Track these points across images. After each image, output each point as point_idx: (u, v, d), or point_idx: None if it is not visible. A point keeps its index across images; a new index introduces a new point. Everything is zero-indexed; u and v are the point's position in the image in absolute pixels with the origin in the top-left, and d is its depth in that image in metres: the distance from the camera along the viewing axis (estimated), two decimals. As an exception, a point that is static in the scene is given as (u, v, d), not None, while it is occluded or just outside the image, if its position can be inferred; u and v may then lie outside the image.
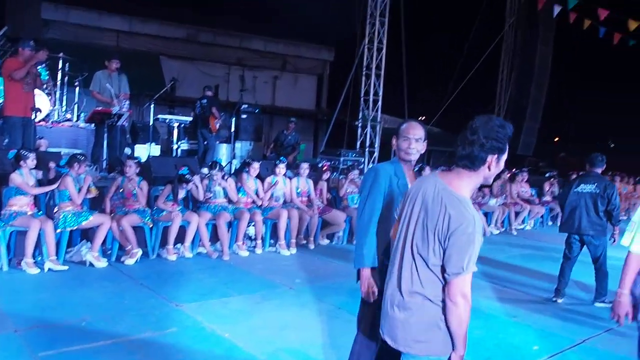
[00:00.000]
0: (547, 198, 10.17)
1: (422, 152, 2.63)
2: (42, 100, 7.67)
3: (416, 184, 2.01)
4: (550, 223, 10.17)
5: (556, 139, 27.36)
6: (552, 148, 23.48)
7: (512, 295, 4.99)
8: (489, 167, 1.84)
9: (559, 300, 4.90)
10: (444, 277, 1.85)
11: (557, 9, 11.70)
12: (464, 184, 1.87)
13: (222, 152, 10.22)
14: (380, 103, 11.39)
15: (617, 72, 21.34)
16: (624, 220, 5.03)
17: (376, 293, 2.57)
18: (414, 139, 2.58)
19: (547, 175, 10.56)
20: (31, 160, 5.15)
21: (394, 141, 2.65)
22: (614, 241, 4.68)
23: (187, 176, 5.94)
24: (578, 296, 5.18)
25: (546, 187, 10.27)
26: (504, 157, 1.89)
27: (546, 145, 20.89)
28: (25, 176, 5.12)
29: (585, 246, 5.01)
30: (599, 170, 5.10)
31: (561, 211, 5.46)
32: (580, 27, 11.53)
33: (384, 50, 11.27)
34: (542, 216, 9.82)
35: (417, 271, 1.87)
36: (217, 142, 9.82)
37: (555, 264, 6.55)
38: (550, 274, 5.98)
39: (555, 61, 14.70)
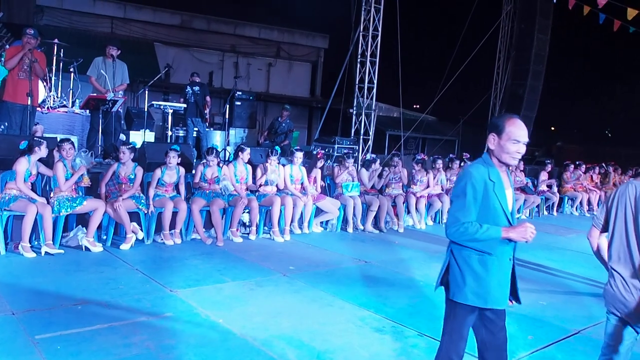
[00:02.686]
0: (543, 187, 10.25)
1: None
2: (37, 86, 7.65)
3: (620, 190, 2.60)
4: (545, 213, 10.25)
5: (552, 127, 27.44)
6: (548, 137, 23.56)
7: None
8: None
9: None
10: None
11: (555, -5, 11.70)
12: None
13: (216, 139, 10.24)
14: (375, 91, 11.39)
15: (616, 60, 21.36)
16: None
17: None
18: (523, 143, 2.33)
19: (546, 162, 10.61)
20: (44, 147, 5.24)
21: (492, 139, 2.35)
22: None
23: (172, 149, 5.99)
24: (573, 287, 5.25)
25: (542, 176, 10.34)
26: None
27: (542, 134, 20.95)
28: (31, 164, 5.16)
29: None
30: None
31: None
32: (580, 13, 11.53)
33: (378, 38, 11.25)
34: (537, 205, 9.89)
35: None
36: (208, 129, 9.84)
37: (549, 253, 6.66)
38: (543, 265, 6.07)
39: (553, 49, 14.69)
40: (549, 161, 10.70)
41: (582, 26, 14.59)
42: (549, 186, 10.41)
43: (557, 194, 10.40)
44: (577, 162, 10.99)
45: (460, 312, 2.41)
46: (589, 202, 10.80)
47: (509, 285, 2.47)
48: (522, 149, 2.34)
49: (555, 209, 10.39)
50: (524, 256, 6.41)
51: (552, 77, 15.95)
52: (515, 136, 2.31)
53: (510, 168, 8.78)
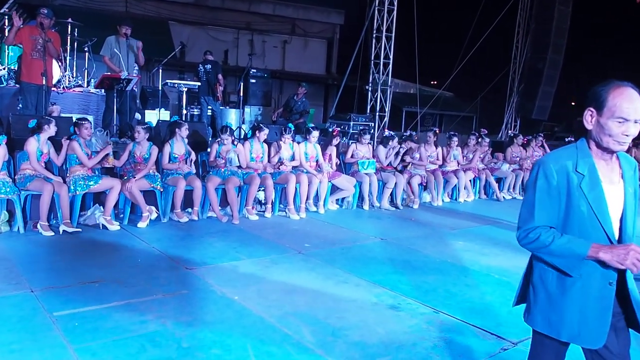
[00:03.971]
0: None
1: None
2: (52, 66, 7.69)
3: None
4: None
5: (573, 102, 26.81)
6: (568, 112, 23.04)
7: (524, 261, 4.92)
8: None
9: None
10: None
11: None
12: None
13: (231, 117, 10.21)
14: (390, 67, 11.20)
15: (638, 32, 20.65)
16: None
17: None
18: (634, 121, 1.70)
19: (566, 140, 10.37)
20: (53, 125, 5.26)
21: (589, 116, 1.77)
22: None
23: (178, 121, 5.97)
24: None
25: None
26: None
27: (562, 109, 20.49)
28: (41, 143, 5.20)
29: None
30: None
31: None
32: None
33: (394, 13, 11.01)
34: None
35: None
36: (221, 108, 9.82)
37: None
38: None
39: (574, 21, 14.22)
40: (571, 138, 10.44)
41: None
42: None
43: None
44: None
45: (537, 340, 1.92)
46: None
47: (607, 318, 1.78)
48: (633, 130, 1.70)
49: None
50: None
51: (572, 50, 15.50)
52: (622, 112, 1.68)
53: (532, 144, 8.49)
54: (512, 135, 9.99)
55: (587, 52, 20.94)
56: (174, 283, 3.91)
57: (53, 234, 5.01)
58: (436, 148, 8.13)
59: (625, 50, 21.23)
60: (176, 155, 6.03)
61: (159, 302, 3.52)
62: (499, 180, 8.76)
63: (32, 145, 5.13)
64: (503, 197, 8.55)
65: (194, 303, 3.55)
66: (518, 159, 9.11)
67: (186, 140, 6.18)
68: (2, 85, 7.51)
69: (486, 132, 9.21)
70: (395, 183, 7.33)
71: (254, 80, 11.36)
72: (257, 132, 6.63)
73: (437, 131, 8.36)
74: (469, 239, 5.74)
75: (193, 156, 6.21)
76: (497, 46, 14.86)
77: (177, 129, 6.09)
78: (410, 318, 3.47)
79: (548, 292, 1.84)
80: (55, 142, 5.44)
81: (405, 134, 8.19)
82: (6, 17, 8.83)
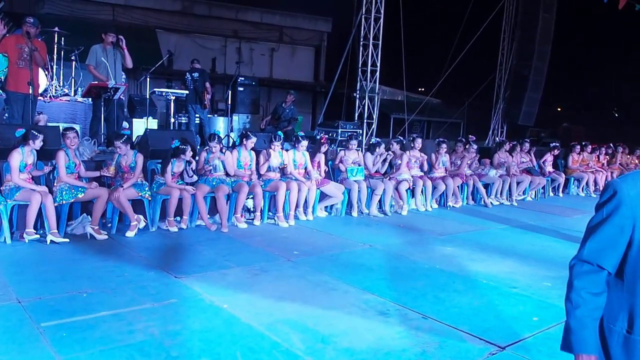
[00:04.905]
0: (549, 169, 10.18)
1: None
2: (39, 75, 7.64)
3: None
4: (551, 194, 10.18)
5: (559, 108, 27.17)
6: (554, 118, 23.33)
7: (512, 266, 5.01)
8: None
9: None
10: None
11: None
12: None
13: (219, 125, 10.20)
14: (378, 74, 11.28)
15: (622, 38, 21.03)
16: None
17: None
18: None
19: (550, 145, 10.51)
20: (39, 141, 5.21)
21: None
22: None
23: (182, 147, 5.94)
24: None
25: (548, 157, 10.26)
26: None
27: (548, 114, 20.75)
28: (25, 155, 5.15)
29: None
30: None
31: None
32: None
33: (381, 20, 11.11)
34: (543, 187, 9.83)
35: None
36: (209, 116, 9.83)
37: (554, 234, 6.63)
38: (550, 245, 6.05)
39: (558, 28, 14.45)
40: (556, 144, 10.57)
41: (587, 5, 14.35)
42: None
43: (563, 175, 10.32)
44: (584, 143, 10.90)
45: None
46: (596, 183, 10.72)
47: None
48: None
49: (561, 190, 10.32)
50: (528, 237, 6.40)
51: (557, 57, 15.74)
52: None
53: (517, 149, 8.57)
54: (499, 141, 10.10)
55: (572, 58, 21.26)
56: (163, 292, 3.90)
57: (38, 236, 5.00)
58: (420, 153, 8.20)
59: (612, 56, 21.60)
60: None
61: (147, 311, 3.50)
62: (487, 186, 8.84)
63: (16, 159, 5.04)
64: (491, 202, 8.62)
65: (183, 312, 3.54)
66: (505, 164, 9.20)
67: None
68: (-12, 95, 7.44)
69: (474, 138, 9.29)
70: (384, 190, 7.37)
71: (242, 88, 11.37)
72: (244, 140, 6.65)
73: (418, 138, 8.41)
74: (457, 245, 5.79)
75: (193, 165, 6.22)
76: (483, 53, 15.04)
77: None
78: (399, 324, 3.49)
79: (608, 352, 1.47)
80: (41, 152, 5.39)
81: (395, 140, 8.22)
82: (-9, 26, 8.77)
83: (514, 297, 4.16)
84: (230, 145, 8.26)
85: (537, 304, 4.01)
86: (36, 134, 5.21)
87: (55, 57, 8.89)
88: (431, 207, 8.02)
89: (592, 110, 25.33)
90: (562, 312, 3.92)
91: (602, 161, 11.38)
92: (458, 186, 8.40)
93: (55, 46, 9.00)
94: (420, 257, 5.21)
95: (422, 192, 7.92)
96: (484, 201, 8.59)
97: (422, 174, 8.12)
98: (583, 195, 10.55)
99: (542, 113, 15.21)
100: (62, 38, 9.16)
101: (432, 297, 4.05)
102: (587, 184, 10.61)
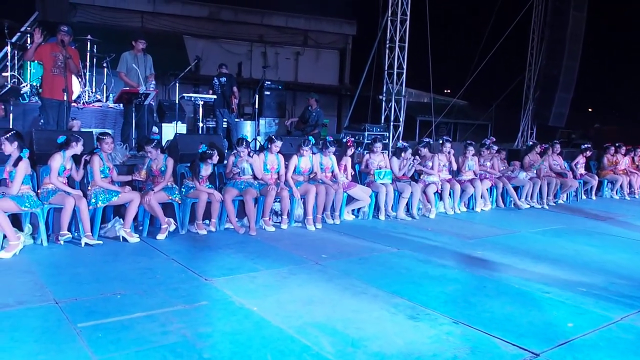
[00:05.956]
0: (581, 171, 9.94)
1: None
2: (72, 82, 7.86)
3: None
4: (584, 197, 9.93)
5: (590, 109, 26.53)
6: (585, 119, 22.78)
7: (544, 271, 4.91)
8: None
9: None
10: None
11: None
12: None
13: (247, 129, 10.30)
14: (404, 76, 11.23)
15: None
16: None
17: None
18: None
19: (582, 147, 10.27)
20: (80, 144, 5.38)
21: None
22: None
23: (209, 151, 6.01)
24: (614, 273, 5.07)
25: (580, 159, 10.03)
26: None
27: (579, 116, 20.29)
28: (65, 159, 5.31)
29: None
30: None
31: None
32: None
33: (407, 23, 11.06)
34: (575, 190, 9.60)
35: None
36: (236, 120, 9.93)
37: (588, 238, 6.47)
38: (582, 249, 5.90)
39: (590, 27, 14.12)
40: (588, 145, 10.32)
41: (620, 3, 14.01)
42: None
43: (596, 178, 10.07)
44: (617, 144, 10.61)
45: None
46: (630, 185, 10.43)
47: None
48: None
49: (594, 192, 10.06)
50: (561, 241, 6.26)
51: (588, 56, 15.38)
52: None
53: (548, 151, 8.42)
54: (531, 143, 9.91)
55: (603, 57, 20.74)
56: (194, 294, 3.95)
57: (71, 237, 5.15)
58: (449, 157, 8.11)
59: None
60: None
61: (179, 313, 3.56)
62: (516, 189, 8.69)
63: (57, 160, 5.24)
64: (521, 206, 8.45)
65: (213, 314, 3.58)
66: (535, 165, 9.02)
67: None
68: (25, 102, 7.70)
69: (494, 140, 9.11)
70: (411, 193, 7.32)
71: (268, 92, 11.48)
72: (270, 143, 6.69)
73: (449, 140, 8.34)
74: (487, 249, 5.71)
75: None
76: (512, 53, 14.82)
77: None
78: (429, 328, 3.46)
79: None
80: (76, 157, 5.54)
81: (422, 145, 8.14)
82: (28, 35, 9.07)
83: (547, 302, 4.07)
84: (258, 148, 8.32)
85: (571, 310, 3.91)
86: (78, 137, 5.40)
87: (87, 64, 9.14)
88: (459, 210, 7.93)
89: (624, 111, 24.64)
90: (599, 318, 3.85)
91: (638, 163, 11.05)
92: (487, 189, 8.28)
93: (88, 53, 9.26)
94: (449, 261, 5.15)
95: (450, 195, 7.84)
96: (514, 203, 8.45)
97: (450, 177, 8.04)
98: (617, 198, 10.27)
99: (572, 114, 14.89)
100: (95, 45, 9.41)
101: (463, 301, 4.00)
102: (621, 186, 10.33)
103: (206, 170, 6.09)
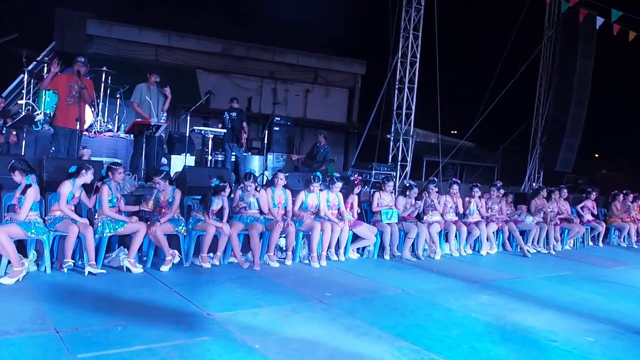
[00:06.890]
0: (588, 217, 9.89)
1: None
2: (85, 111, 8.00)
3: None
4: (591, 243, 9.84)
5: (596, 155, 26.59)
6: (592, 165, 22.81)
7: (551, 318, 4.82)
8: None
9: None
10: None
11: (599, 21, 11.46)
12: None
13: (254, 163, 10.37)
14: (413, 117, 11.36)
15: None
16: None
17: None
18: None
19: (588, 191, 10.24)
20: (91, 172, 5.45)
21: None
22: None
23: (221, 184, 6.04)
24: (622, 322, 4.98)
25: (588, 204, 9.98)
26: None
27: (585, 161, 20.32)
28: (75, 187, 5.36)
29: None
30: None
31: None
32: (625, 39, 11.29)
33: (417, 65, 11.26)
34: (582, 236, 9.53)
35: None
36: (244, 154, 10.03)
37: (595, 286, 6.38)
38: (589, 297, 5.81)
39: (597, 74, 14.30)
40: (592, 189, 10.30)
41: (627, 51, 14.22)
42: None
43: (604, 224, 10.00)
44: (625, 191, 10.58)
45: None
46: (638, 233, 10.34)
47: None
48: None
49: (601, 239, 9.97)
50: (567, 288, 6.17)
51: (595, 103, 15.53)
52: None
53: (553, 196, 8.40)
54: (537, 187, 9.90)
55: (610, 103, 20.92)
56: (195, 328, 3.90)
57: (73, 265, 5.13)
58: (455, 199, 8.07)
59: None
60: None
61: (180, 347, 3.51)
62: (522, 233, 8.62)
63: (67, 187, 5.28)
64: (528, 251, 8.35)
65: (215, 350, 3.52)
66: (543, 210, 8.98)
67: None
68: (37, 129, 7.82)
69: (501, 183, 9.10)
70: (418, 233, 7.29)
71: (277, 128, 11.63)
72: (275, 178, 6.73)
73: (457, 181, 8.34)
74: (493, 293, 5.63)
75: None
76: (519, 98, 14.98)
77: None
78: (434, 374, 3.38)
79: None
80: (86, 185, 5.58)
81: (432, 184, 8.13)
82: (45, 64, 9.30)
83: (554, 352, 3.99)
84: (265, 183, 8.36)
85: (579, 359, 3.83)
86: (89, 166, 5.47)
87: (101, 94, 9.31)
88: (465, 252, 7.86)
89: (631, 158, 24.66)
90: (609, 370, 3.72)
91: (645, 210, 10.97)
92: (493, 232, 8.23)
93: (102, 84, 9.44)
94: (454, 305, 5.07)
95: (456, 236, 7.79)
96: (520, 249, 8.36)
97: (456, 218, 8.00)
98: (624, 246, 10.16)
99: (579, 160, 14.91)
100: (109, 77, 9.61)
101: (468, 347, 3.93)
102: (628, 233, 10.24)
103: (217, 204, 6.10)
